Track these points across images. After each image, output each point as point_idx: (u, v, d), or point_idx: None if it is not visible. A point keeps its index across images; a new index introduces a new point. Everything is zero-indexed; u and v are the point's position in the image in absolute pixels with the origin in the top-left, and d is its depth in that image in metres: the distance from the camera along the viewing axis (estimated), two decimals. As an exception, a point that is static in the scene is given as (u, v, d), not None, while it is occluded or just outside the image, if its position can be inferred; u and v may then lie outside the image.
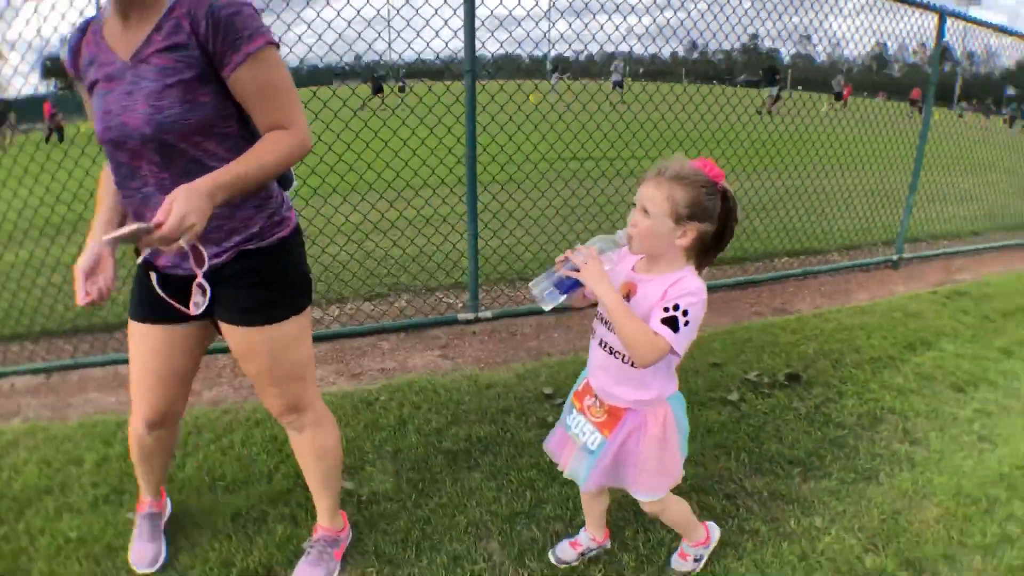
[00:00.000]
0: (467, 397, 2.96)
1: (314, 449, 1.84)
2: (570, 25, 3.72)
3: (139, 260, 1.57)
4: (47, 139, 12.97)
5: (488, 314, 3.88)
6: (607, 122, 4.94)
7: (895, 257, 5.67)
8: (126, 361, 3.14)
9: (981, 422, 3.09)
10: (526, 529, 2.13)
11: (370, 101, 15.04)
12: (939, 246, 6.38)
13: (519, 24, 3.58)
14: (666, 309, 1.47)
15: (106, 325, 3.75)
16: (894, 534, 2.27)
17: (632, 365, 1.59)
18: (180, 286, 1.53)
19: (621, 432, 1.68)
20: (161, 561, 1.94)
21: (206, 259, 1.38)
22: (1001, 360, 3.81)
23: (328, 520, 1.95)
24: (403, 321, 3.74)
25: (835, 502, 2.43)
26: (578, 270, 1.50)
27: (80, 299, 1.43)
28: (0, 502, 2.26)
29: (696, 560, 2.01)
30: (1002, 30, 6.14)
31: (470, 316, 3.83)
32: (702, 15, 4.44)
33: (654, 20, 4.31)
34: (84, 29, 1.47)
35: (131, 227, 1.27)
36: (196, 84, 1.36)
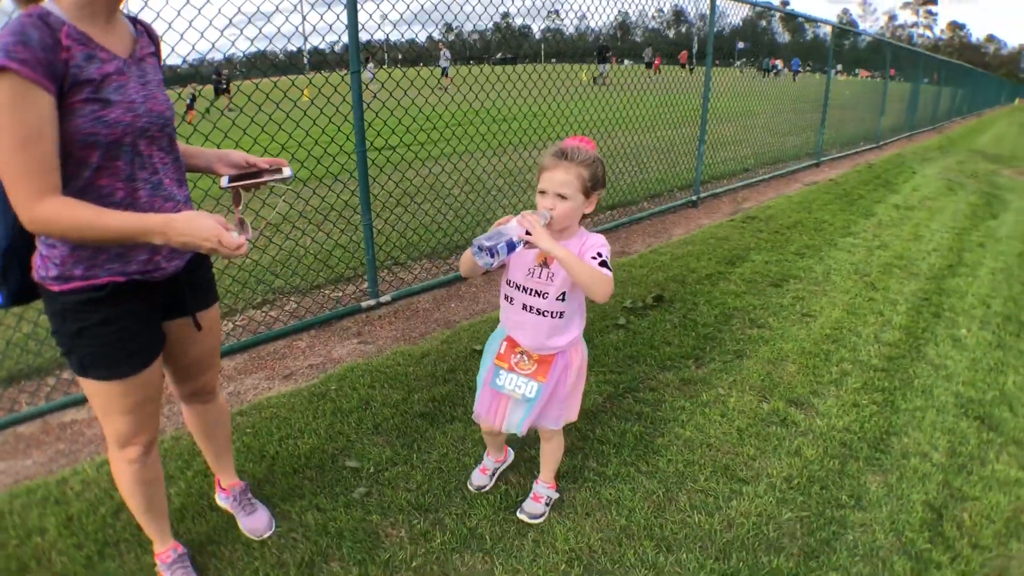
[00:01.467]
0: (410, 369, 3.21)
1: (224, 408, 2.11)
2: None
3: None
4: None
5: (387, 298, 4.10)
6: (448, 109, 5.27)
7: (695, 198, 6.81)
8: (19, 421, 2.90)
9: (799, 305, 4.05)
10: (521, 450, 2.51)
11: (217, 102, 14.17)
12: (722, 184, 7.72)
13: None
14: (594, 258, 1.76)
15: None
16: (773, 386, 3.03)
17: (561, 317, 1.91)
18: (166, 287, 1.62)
19: (555, 373, 1.96)
20: None
21: None
22: (797, 260, 4.93)
23: (235, 474, 2.23)
24: (314, 318, 3.81)
25: (725, 376, 3.13)
26: (527, 234, 1.67)
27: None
28: (31, 574, 2.02)
29: (547, 505, 2.20)
30: (769, 7, 7.52)
31: (372, 302, 4.02)
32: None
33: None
34: (46, 26, 1.30)
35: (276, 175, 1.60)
36: None
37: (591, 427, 2.68)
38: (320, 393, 3.01)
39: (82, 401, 3.06)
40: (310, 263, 4.43)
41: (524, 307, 1.92)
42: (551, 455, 2.21)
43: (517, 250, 1.70)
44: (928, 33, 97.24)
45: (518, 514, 2.18)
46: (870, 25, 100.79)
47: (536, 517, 2.17)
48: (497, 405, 2.06)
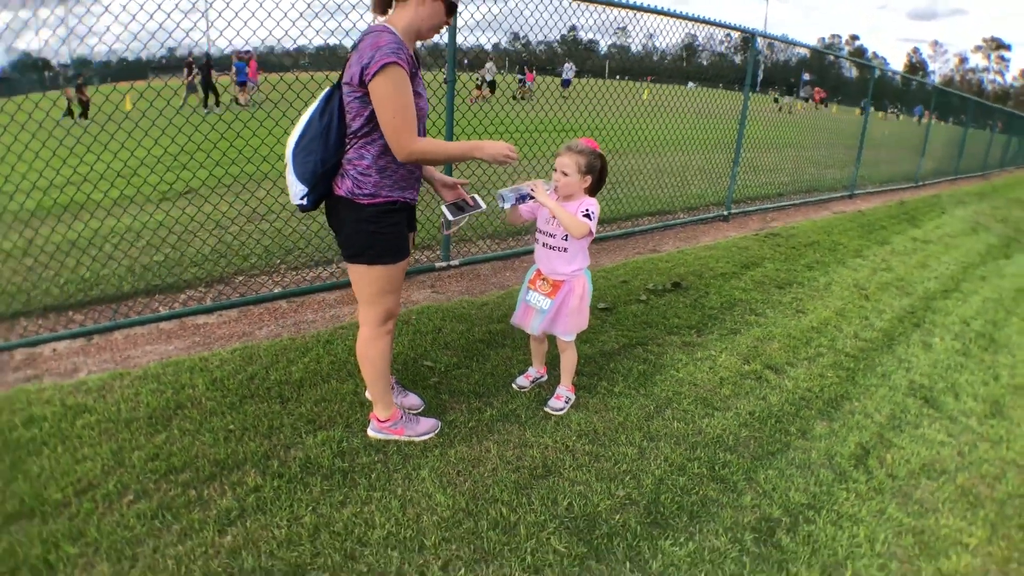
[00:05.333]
0: (472, 311, 4.10)
1: None
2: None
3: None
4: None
5: (456, 262, 5.01)
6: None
7: (726, 213, 7.56)
8: (166, 319, 3.80)
9: (797, 303, 4.79)
10: (552, 367, 3.36)
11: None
12: (754, 204, 8.44)
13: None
14: (582, 213, 2.72)
15: (122, 295, 3.98)
16: (757, 355, 3.80)
17: (565, 251, 2.81)
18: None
19: (561, 294, 2.86)
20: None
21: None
22: (805, 271, 5.66)
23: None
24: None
25: (720, 343, 3.92)
26: (532, 191, 2.66)
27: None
28: (187, 409, 2.85)
29: (566, 402, 3.04)
30: (802, 45, 8.29)
31: (443, 264, 4.94)
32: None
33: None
34: (402, 43, 2.19)
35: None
36: None
37: (607, 362, 3.52)
38: (404, 320, 3.92)
39: (210, 310, 3.95)
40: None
41: (544, 245, 2.87)
42: (567, 364, 3.07)
43: (526, 201, 2.69)
44: (999, 79, 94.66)
45: (544, 408, 3.03)
46: (940, 67, 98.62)
47: (557, 410, 3.01)
48: (526, 314, 2.99)
